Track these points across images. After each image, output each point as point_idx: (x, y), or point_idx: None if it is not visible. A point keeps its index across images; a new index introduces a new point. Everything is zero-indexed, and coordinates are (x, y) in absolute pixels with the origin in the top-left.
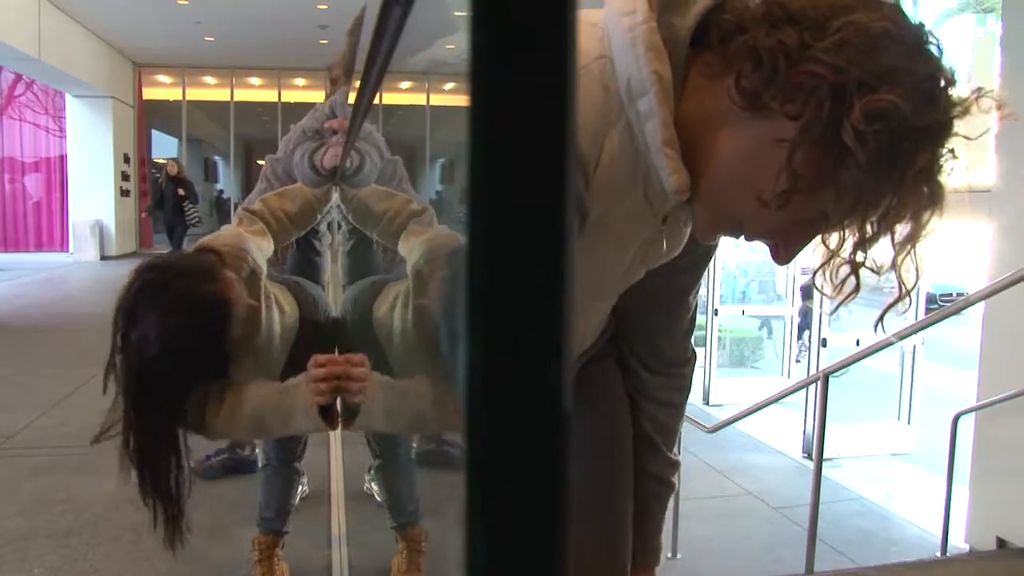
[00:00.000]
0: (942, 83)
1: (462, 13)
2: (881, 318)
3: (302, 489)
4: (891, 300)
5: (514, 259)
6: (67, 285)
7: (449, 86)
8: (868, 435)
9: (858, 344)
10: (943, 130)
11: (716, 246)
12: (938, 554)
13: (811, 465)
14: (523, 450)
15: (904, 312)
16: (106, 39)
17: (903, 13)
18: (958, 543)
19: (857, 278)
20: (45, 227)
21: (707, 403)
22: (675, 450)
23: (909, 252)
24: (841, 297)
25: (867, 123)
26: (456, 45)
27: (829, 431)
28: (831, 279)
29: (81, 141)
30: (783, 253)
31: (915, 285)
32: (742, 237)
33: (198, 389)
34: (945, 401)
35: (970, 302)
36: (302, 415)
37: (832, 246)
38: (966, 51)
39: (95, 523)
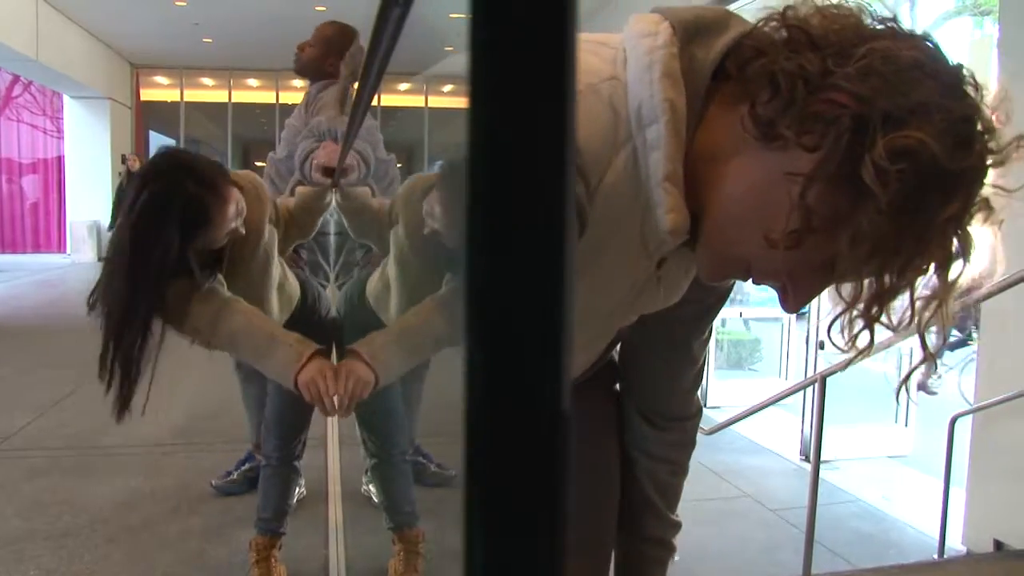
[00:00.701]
0: (979, 127)
1: (459, 14)
2: (904, 383)
3: (299, 491)
4: (914, 364)
5: (514, 259)
6: (64, 286)
7: (447, 88)
8: (865, 437)
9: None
10: (976, 177)
11: (725, 298)
12: (935, 556)
13: (809, 467)
14: (522, 450)
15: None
16: (104, 40)
17: (938, 48)
18: (955, 545)
19: (871, 334)
20: (42, 228)
21: (705, 405)
22: (677, 511)
23: (934, 312)
24: (853, 353)
25: (890, 160)
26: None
27: (826, 433)
28: (844, 332)
29: (79, 142)
30: (792, 299)
31: (940, 348)
32: (750, 280)
33: (185, 283)
34: (942, 403)
35: (968, 304)
36: (274, 369)
37: (847, 296)
38: (963, 54)
39: (92, 525)
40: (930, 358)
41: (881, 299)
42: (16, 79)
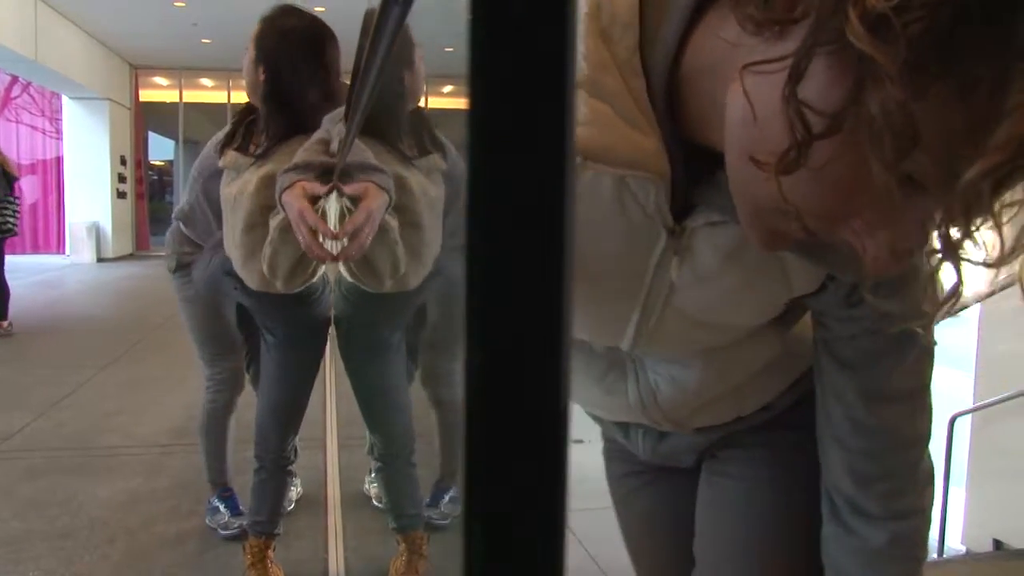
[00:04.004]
0: None
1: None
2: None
3: (296, 491)
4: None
5: (514, 260)
6: (63, 287)
7: (448, 89)
8: None
9: None
10: None
11: (907, 346)
12: (935, 556)
13: None
14: (521, 450)
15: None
16: (103, 41)
17: None
18: (955, 545)
19: (958, 271)
20: (41, 229)
21: None
22: None
23: None
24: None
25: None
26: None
27: None
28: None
29: (78, 143)
30: (869, 255)
31: None
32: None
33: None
34: (941, 402)
35: (967, 304)
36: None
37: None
38: None
39: (91, 525)
40: None
41: (962, 220)
42: (15, 80)
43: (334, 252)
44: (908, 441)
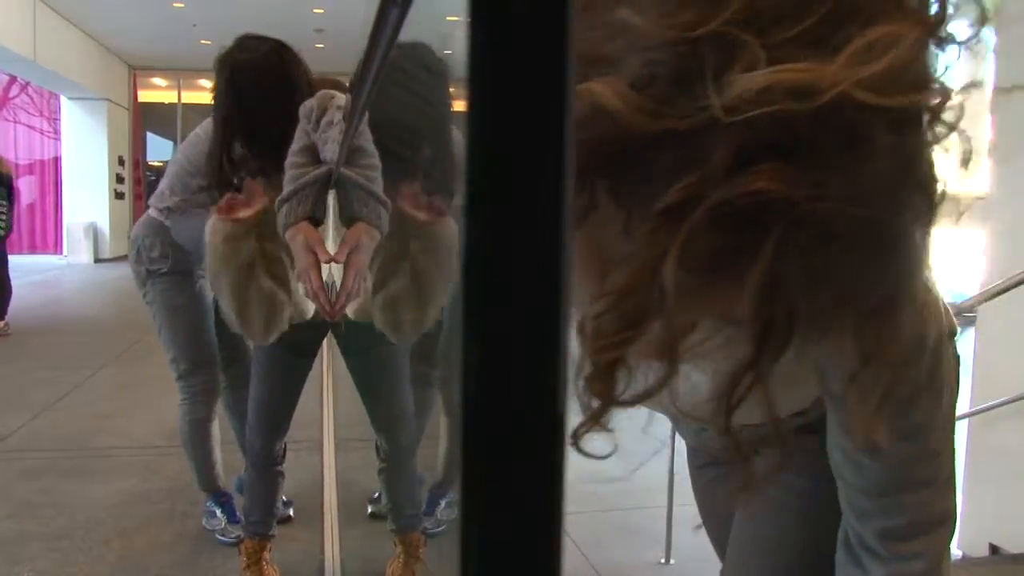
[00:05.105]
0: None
1: (455, 17)
2: None
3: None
4: None
5: (512, 261)
6: (60, 288)
7: None
8: None
9: None
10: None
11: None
12: None
13: None
14: (519, 451)
15: None
16: (102, 41)
17: None
18: (951, 549)
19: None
20: (39, 229)
21: None
22: None
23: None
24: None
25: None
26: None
27: None
28: None
29: (76, 143)
30: None
31: None
32: None
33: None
34: None
35: (963, 308)
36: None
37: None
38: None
39: (86, 526)
40: None
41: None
42: (13, 80)
43: (331, 307)
44: (910, 483)
